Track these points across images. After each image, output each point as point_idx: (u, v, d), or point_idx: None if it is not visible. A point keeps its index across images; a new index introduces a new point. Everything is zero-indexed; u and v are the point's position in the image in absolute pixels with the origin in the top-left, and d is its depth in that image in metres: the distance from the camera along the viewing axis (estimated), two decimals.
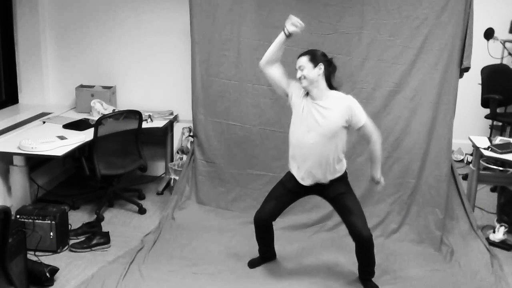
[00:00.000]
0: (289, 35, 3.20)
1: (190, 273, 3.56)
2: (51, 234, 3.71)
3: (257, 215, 3.47)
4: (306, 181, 3.30)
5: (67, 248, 3.84)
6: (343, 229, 4.12)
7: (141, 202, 4.65)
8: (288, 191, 3.41)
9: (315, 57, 3.17)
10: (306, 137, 3.20)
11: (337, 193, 3.32)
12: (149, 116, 4.74)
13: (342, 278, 3.57)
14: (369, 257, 3.38)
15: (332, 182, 3.29)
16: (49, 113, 4.88)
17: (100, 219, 4.28)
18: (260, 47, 4.25)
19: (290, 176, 3.39)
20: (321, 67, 3.15)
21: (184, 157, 5.04)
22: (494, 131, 5.74)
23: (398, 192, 4.19)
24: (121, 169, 4.41)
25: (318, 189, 3.35)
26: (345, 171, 3.34)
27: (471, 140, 4.42)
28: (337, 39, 4.12)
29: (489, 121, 5.72)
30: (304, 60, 3.16)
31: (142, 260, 3.66)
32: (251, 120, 4.37)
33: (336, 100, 3.19)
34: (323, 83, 3.18)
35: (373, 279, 3.48)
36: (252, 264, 3.68)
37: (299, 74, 3.17)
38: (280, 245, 3.81)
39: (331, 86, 3.23)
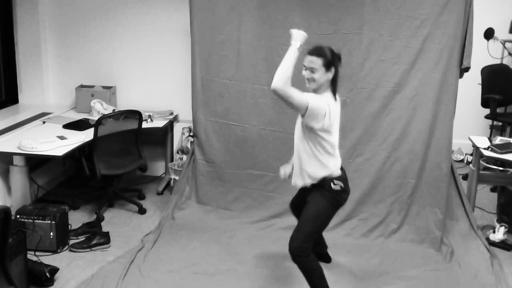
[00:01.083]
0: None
1: (190, 273, 3.56)
2: (51, 234, 3.71)
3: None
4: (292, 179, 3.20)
5: (67, 248, 3.84)
6: (343, 230, 4.15)
7: (141, 202, 4.65)
8: None
9: (329, 61, 2.93)
10: (295, 131, 3.13)
11: (306, 199, 3.14)
12: (149, 116, 4.74)
13: (342, 279, 3.57)
14: (304, 275, 3.11)
15: (311, 187, 3.13)
16: (49, 113, 4.88)
17: (100, 219, 4.28)
18: (260, 47, 4.27)
19: None
20: (332, 71, 2.96)
21: (184, 157, 5.04)
22: (494, 131, 5.74)
23: (398, 192, 4.19)
24: (121, 169, 4.41)
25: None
26: (328, 182, 3.06)
27: (471, 140, 4.42)
28: (337, 39, 4.12)
29: (489, 121, 5.72)
30: (318, 63, 2.92)
31: (142, 260, 3.66)
32: (251, 120, 4.37)
33: None
34: (327, 85, 3.00)
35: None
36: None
37: (308, 75, 2.95)
38: (280, 245, 3.80)
39: (333, 88, 3.02)
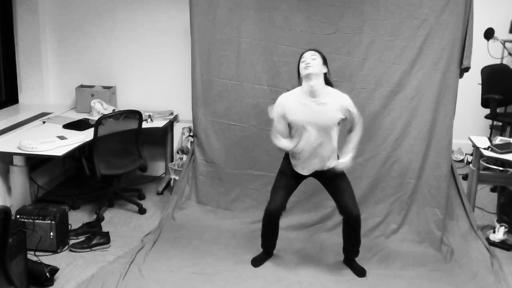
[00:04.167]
0: None
1: (190, 273, 3.56)
2: (51, 234, 3.71)
3: (271, 206, 3.52)
4: (305, 172, 3.52)
5: (67, 248, 3.84)
6: None
7: (141, 202, 4.65)
8: (291, 177, 3.56)
9: (325, 59, 3.40)
10: (306, 133, 3.36)
11: (334, 175, 3.47)
12: (149, 116, 4.74)
13: (342, 278, 3.57)
14: (356, 236, 3.56)
15: (330, 168, 3.49)
16: (49, 113, 4.88)
17: (100, 219, 4.28)
18: (260, 47, 4.27)
19: (286, 164, 3.57)
20: (326, 67, 3.41)
21: (184, 157, 5.04)
22: (494, 131, 5.74)
23: (398, 192, 4.20)
24: (121, 169, 4.41)
25: (316, 173, 3.55)
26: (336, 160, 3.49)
27: (471, 140, 4.42)
28: (337, 39, 4.12)
29: (489, 121, 5.72)
30: (319, 63, 3.33)
31: (142, 260, 3.66)
32: (251, 120, 4.37)
33: (333, 96, 3.36)
34: (323, 80, 3.37)
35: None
36: (256, 261, 3.69)
37: (310, 70, 3.29)
38: (280, 245, 3.80)
39: (327, 82, 3.40)
